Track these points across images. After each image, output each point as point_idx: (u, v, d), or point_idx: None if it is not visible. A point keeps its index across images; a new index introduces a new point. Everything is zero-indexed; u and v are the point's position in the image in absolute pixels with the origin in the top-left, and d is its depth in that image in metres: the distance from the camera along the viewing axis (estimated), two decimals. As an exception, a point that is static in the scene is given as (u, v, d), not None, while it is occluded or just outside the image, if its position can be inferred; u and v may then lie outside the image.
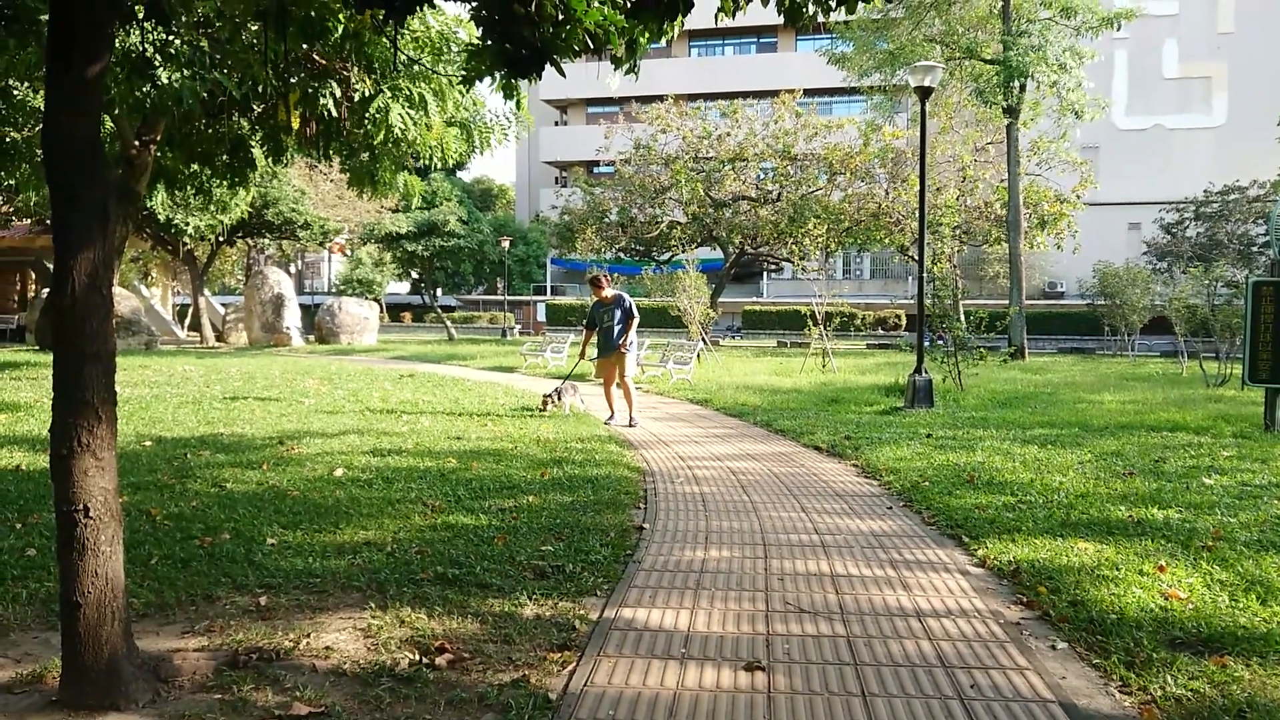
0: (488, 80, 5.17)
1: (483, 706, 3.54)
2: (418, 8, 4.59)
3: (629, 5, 4.97)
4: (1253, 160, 41.15)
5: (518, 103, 11.25)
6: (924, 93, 13.94)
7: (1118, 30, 27.26)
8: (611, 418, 12.20)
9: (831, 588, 5.03)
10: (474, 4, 4.76)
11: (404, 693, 3.65)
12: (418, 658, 3.97)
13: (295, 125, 10.36)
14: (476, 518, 6.47)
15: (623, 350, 12.00)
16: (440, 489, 7.39)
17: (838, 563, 5.52)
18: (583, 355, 13.02)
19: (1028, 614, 4.65)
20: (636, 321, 12.25)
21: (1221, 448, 9.68)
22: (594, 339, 12.53)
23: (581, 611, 4.59)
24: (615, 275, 31.44)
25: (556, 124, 64.18)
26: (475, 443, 9.98)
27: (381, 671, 3.84)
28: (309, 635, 4.24)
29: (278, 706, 3.51)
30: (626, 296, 12.30)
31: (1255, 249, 39.42)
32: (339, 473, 8.05)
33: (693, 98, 42.25)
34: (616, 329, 12.01)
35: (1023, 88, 26.21)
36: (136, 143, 13.52)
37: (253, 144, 12.72)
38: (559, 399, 12.76)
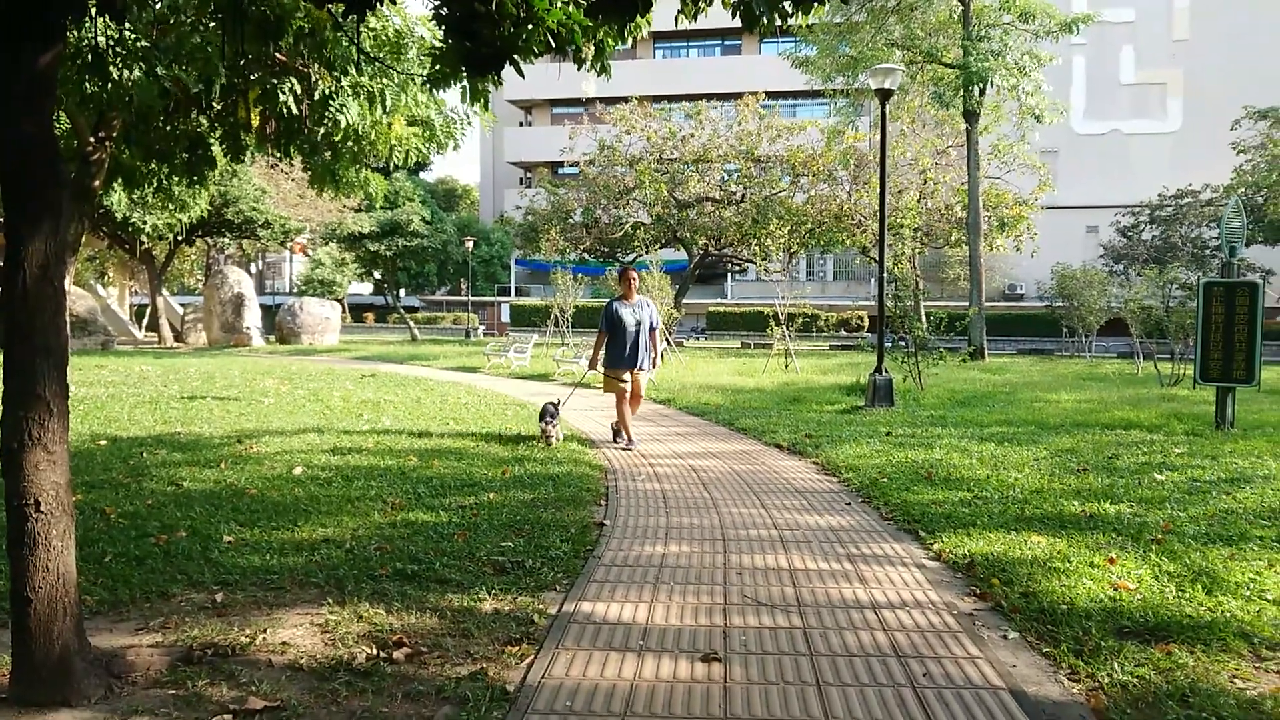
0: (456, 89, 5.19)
1: (440, 699, 3.55)
2: (378, 3, 4.60)
3: (590, 4, 5.00)
4: (1207, 165, 42.01)
5: (485, 104, 11.23)
6: (884, 95, 14.07)
7: (1075, 35, 27.69)
8: (631, 443, 10.07)
9: (789, 581, 5.07)
10: (436, 2, 4.76)
11: (361, 686, 3.64)
12: (375, 652, 3.97)
13: (255, 123, 10.28)
14: (437, 515, 6.46)
15: (654, 366, 10.27)
16: (400, 487, 7.37)
17: (795, 557, 5.57)
18: (594, 364, 10.39)
19: (981, 605, 4.72)
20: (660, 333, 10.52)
21: (1173, 445, 9.85)
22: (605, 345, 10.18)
23: (541, 606, 4.60)
24: (579, 276, 31.50)
25: (521, 124, 64.05)
26: (436, 441, 9.95)
27: (338, 666, 3.83)
28: (265, 631, 4.21)
29: (232, 701, 3.49)
30: (651, 302, 10.39)
31: (1208, 252, 40.21)
32: (298, 471, 7.99)
33: (657, 99, 42.31)
34: (643, 339, 9.97)
35: (982, 92, 26.56)
36: (93, 139, 13.34)
37: (212, 141, 12.59)
38: (550, 423, 9.92)
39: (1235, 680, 3.74)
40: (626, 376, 10.01)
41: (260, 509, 6.52)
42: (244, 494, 7.01)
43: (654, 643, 4.13)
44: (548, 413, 9.93)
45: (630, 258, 37.26)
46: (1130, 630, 4.26)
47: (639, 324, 9.94)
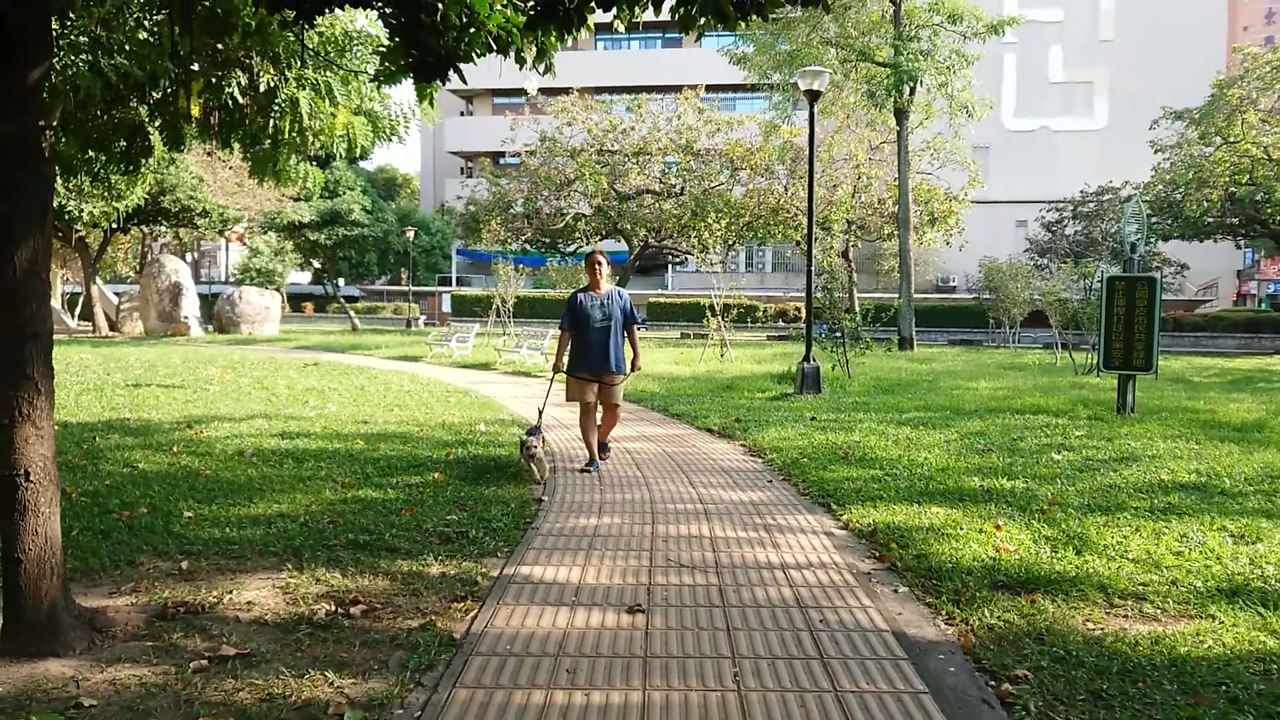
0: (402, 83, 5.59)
1: (394, 646, 4.00)
2: (327, 8, 4.98)
3: (531, 15, 5.43)
4: (1129, 162, 43.54)
5: (430, 100, 11.51)
6: (813, 96, 14.67)
7: (1002, 36, 28.66)
8: (592, 464, 8.31)
9: (709, 547, 5.60)
10: (384, 10, 5.16)
11: (322, 636, 4.09)
12: (334, 609, 4.41)
13: (196, 114, 10.50)
14: (385, 492, 6.89)
15: (634, 370, 8.62)
16: (349, 467, 7.77)
17: (717, 527, 6.10)
18: (558, 366, 8.48)
19: (879, 566, 5.29)
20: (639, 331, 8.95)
21: (1075, 428, 10.57)
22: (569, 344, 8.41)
23: (483, 570, 5.07)
24: (521, 266, 31.79)
25: (462, 114, 63.98)
26: (382, 426, 10.33)
27: (301, 620, 4.27)
28: (231, 593, 4.63)
29: (207, 650, 3.91)
30: (625, 292, 8.60)
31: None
32: (249, 453, 8.35)
33: (598, 91, 42.72)
34: (614, 338, 8.25)
35: (912, 91, 27.40)
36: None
37: (151, 131, 12.72)
38: (534, 451, 7.55)
39: (1087, 623, 4.33)
40: (590, 394, 8.29)
41: (216, 488, 6.89)
42: (199, 475, 7.36)
43: (585, 598, 4.63)
44: (528, 445, 7.60)
45: (571, 248, 37.62)
46: (1004, 584, 4.86)
47: (608, 319, 8.22)
